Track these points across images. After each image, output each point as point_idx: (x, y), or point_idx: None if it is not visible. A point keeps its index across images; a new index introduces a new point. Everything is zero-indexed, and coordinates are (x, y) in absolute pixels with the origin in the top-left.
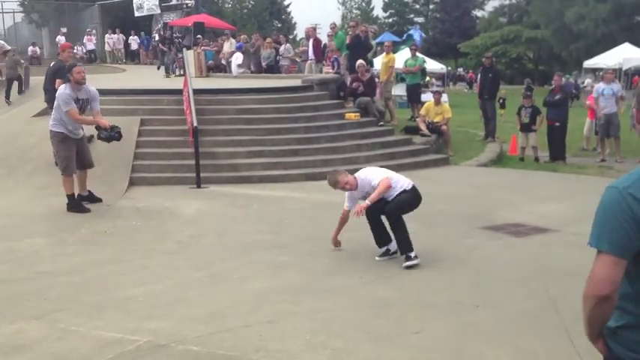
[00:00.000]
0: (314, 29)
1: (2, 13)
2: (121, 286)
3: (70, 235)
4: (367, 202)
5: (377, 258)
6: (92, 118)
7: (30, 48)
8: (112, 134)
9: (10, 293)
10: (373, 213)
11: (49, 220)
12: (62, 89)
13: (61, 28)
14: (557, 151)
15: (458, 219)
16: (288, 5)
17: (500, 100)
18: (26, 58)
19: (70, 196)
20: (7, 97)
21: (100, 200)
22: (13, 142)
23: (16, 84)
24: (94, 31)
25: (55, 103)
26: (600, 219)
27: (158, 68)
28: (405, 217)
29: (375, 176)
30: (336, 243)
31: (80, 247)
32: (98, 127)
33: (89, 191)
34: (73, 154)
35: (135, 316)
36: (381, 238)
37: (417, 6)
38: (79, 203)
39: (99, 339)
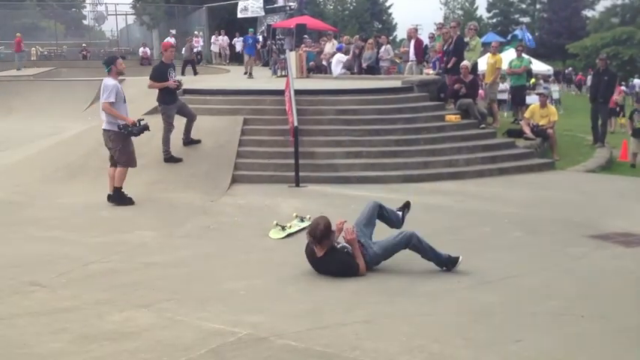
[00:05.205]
0: (415, 30)
1: (116, 15)
2: (224, 279)
3: (177, 228)
4: None
5: None
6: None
7: (141, 49)
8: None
9: (121, 282)
10: None
11: (158, 214)
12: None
13: (170, 30)
14: None
15: (564, 226)
16: (389, 7)
17: (618, 109)
18: (137, 59)
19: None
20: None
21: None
22: None
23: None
24: (201, 33)
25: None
26: None
27: (270, 69)
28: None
29: None
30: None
31: (186, 241)
32: (126, 124)
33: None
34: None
35: (237, 309)
36: None
37: (523, 6)
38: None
39: (202, 329)
